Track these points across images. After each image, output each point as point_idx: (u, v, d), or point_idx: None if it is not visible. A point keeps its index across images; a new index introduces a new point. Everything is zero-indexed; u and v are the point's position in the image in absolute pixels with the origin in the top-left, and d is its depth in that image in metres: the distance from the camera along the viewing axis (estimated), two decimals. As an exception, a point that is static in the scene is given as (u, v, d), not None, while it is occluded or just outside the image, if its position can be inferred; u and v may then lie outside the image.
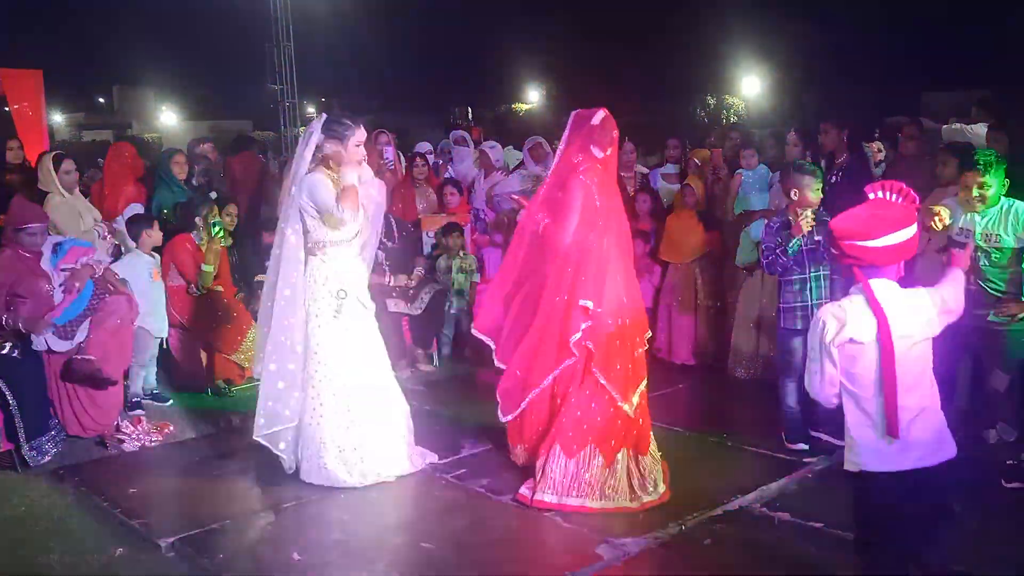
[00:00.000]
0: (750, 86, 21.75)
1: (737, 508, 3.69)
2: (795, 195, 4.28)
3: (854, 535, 2.72)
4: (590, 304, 3.77)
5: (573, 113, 3.98)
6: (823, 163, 5.15)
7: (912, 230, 2.53)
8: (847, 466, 2.63)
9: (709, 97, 22.50)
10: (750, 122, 17.59)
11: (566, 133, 3.97)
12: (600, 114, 3.89)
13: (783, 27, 19.82)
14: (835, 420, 4.34)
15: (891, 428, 2.46)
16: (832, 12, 19.01)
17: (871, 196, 2.64)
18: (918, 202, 2.63)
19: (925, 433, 2.49)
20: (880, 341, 2.46)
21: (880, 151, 6.47)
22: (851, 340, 2.50)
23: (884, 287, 2.52)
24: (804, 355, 4.28)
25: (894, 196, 2.59)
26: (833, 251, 2.61)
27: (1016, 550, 3.30)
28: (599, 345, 3.78)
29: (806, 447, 4.29)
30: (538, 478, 3.76)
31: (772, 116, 18.08)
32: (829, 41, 18.96)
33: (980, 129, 5.32)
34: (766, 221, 4.99)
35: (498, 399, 4.05)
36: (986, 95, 6.17)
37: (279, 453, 4.06)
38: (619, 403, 3.75)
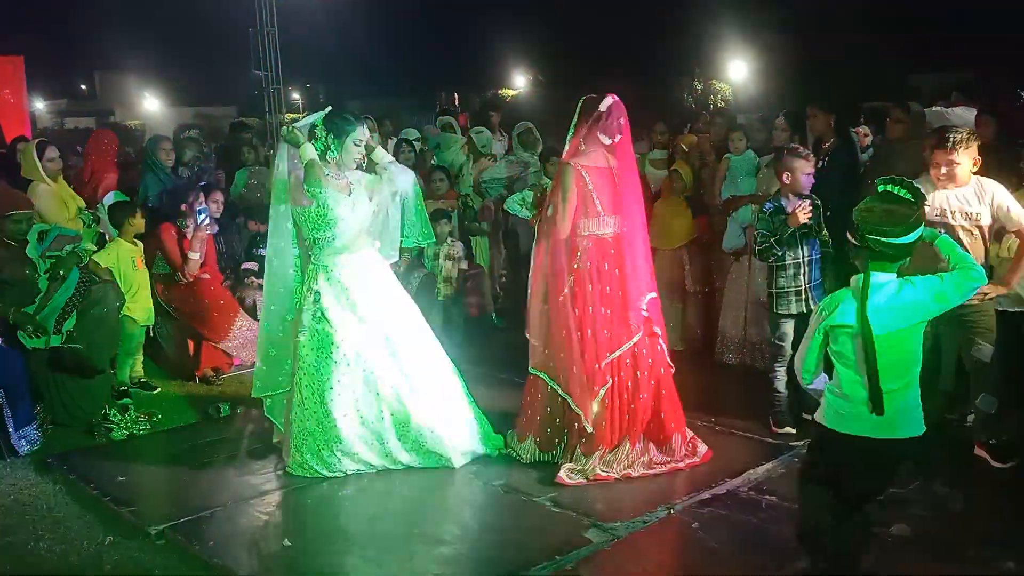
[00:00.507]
0: (737, 71, 21.75)
1: (725, 492, 3.73)
2: (787, 179, 4.29)
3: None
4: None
5: (583, 98, 3.92)
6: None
7: (919, 230, 2.65)
8: (818, 417, 2.80)
9: (696, 82, 22.49)
10: (737, 107, 17.59)
11: (575, 119, 3.90)
12: (608, 100, 3.83)
13: (770, 11, 19.82)
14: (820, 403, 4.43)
15: (876, 408, 2.60)
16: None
17: (880, 188, 2.72)
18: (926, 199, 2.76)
19: (893, 405, 2.63)
20: (862, 330, 2.58)
21: (867, 135, 6.50)
22: (841, 324, 2.65)
23: (884, 279, 2.63)
24: (795, 340, 4.35)
25: (904, 191, 2.66)
26: (850, 238, 2.69)
27: (998, 527, 3.35)
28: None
29: (793, 431, 4.33)
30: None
31: (760, 100, 18.10)
32: (815, 24, 18.97)
33: (963, 112, 5.34)
34: (758, 207, 5.02)
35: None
36: (966, 78, 6.20)
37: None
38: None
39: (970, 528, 3.37)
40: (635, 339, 3.89)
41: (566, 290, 3.90)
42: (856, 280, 2.67)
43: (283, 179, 3.99)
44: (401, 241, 4.29)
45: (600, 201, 3.86)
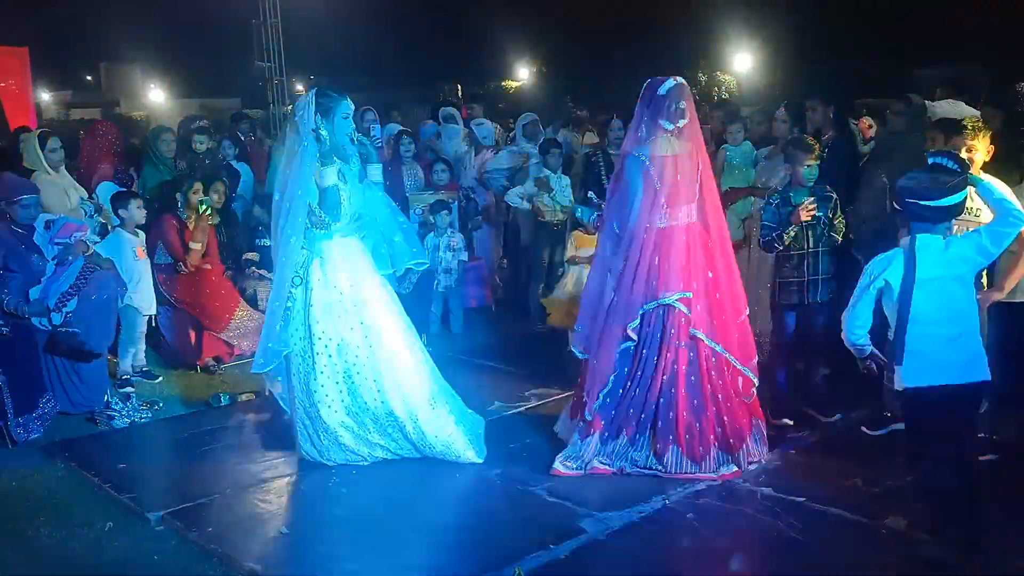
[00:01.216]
0: (741, 62, 21.66)
1: (721, 483, 3.74)
2: (787, 170, 4.30)
3: None
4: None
5: (646, 82, 3.74)
6: None
7: (963, 195, 3.02)
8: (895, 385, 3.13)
9: (700, 74, 22.41)
10: (742, 99, 17.52)
11: (636, 106, 3.74)
12: (669, 83, 3.67)
13: (775, 2, 19.73)
14: (822, 397, 4.45)
15: (898, 356, 3.02)
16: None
17: (930, 161, 3.08)
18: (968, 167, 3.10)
19: (958, 355, 3.01)
20: (902, 285, 3.01)
21: (871, 127, 6.48)
22: (886, 283, 3.08)
23: (929, 241, 3.01)
24: (795, 330, 4.36)
25: (951, 163, 3.03)
26: (895, 206, 3.13)
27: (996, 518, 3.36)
28: None
29: (791, 423, 4.34)
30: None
31: (765, 92, 18.03)
32: (819, 16, 18.87)
33: (948, 107, 5.34)
34: (761, 199, 5.03)
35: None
36: (966, 72, 6.18)
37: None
38: None
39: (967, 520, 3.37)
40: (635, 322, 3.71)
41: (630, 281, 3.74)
42: (905, 241, 3.06)
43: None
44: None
45: (666, 192, 3.68)
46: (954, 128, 3.92)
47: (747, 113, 6.75)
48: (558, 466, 3.82)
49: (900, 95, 5.21)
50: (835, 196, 4.34)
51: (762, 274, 5.23)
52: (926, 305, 2.99)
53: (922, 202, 2.98)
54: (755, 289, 5.31)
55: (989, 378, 3.04)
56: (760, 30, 20.42)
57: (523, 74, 27.85)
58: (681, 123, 3.68)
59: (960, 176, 3.01)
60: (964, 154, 3.85)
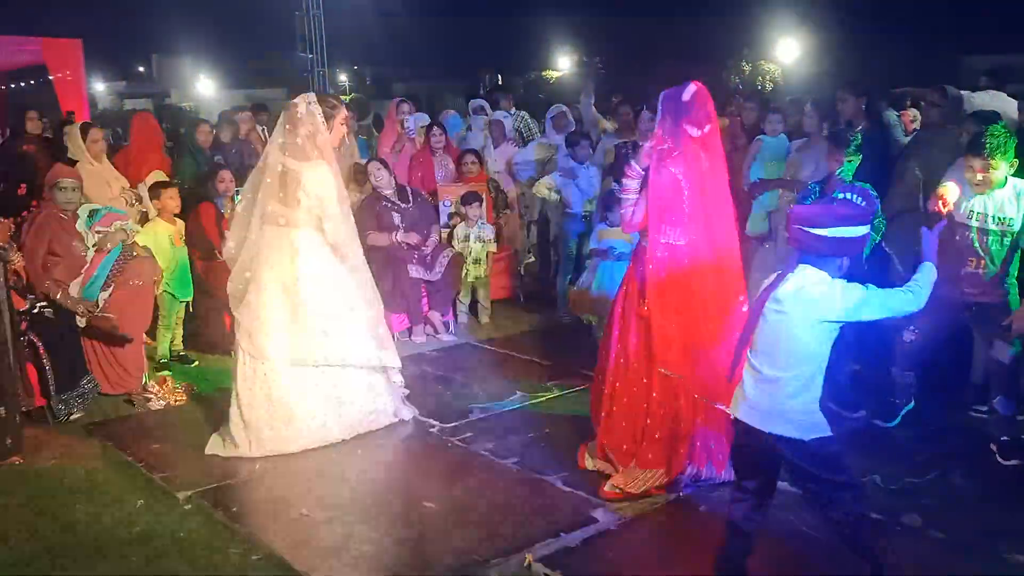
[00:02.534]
0: (786, 51, 21.23)
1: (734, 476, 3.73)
2: (827, 162, 4.28)
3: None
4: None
5: (661, 94, 3.57)
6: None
7: (862, 230, 2.65)
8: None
9: (744, 63, 22.03)
10: (787, 88, 17.19)
11: (657, 118, 3.58)
12: (691, 88, 3.49)
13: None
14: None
15: (729, 372, 2.78)
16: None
17: (839, 196, 2.86)
18: (876, 207, 2.88)
19: (762, 398, 2.67)
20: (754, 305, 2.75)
21: (914, 120, 6.32)
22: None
23: (810, 274, 2.64)
24: None
25: (858, 199, 2.86)
26: (785, 233, 2.76)
27: (1012, 520, 3.31)
28: None
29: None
30: None
31: (810, 81, 17.66)
32: (866, 2, 18.35)
33: (988, 98, 5.16)
34: (790, 192, 4.97)
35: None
36: (998, 64, 5.99)
37: None
38: None
39: (982, 521, 3.33)
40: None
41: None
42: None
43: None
44: None
45: (685, 206, 3.49)
46: (975, 145, 3.78)
47: (787, 102, 6.63)
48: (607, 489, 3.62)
49: (936, 86, 5.08)
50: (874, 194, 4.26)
51: (787, 268, 5.18)
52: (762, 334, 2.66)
53: (811, 230, 2.61)
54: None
55: (795, 437, 2.62)
56: (805, 18, 19.99)
57: (564, 64, 27.71)
58: (707, 128, 3.52)
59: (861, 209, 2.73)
60: (979, 175, 3.75)
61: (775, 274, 2.74)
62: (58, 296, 4.58)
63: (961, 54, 15.07)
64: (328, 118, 4.07)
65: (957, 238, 3.92)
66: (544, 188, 6.42)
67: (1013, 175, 3.85)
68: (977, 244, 3.92)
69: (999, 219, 3.83)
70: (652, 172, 3.55)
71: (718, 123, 3.64)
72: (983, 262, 3.93)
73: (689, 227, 3.52)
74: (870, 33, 18.46)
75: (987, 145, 3.71)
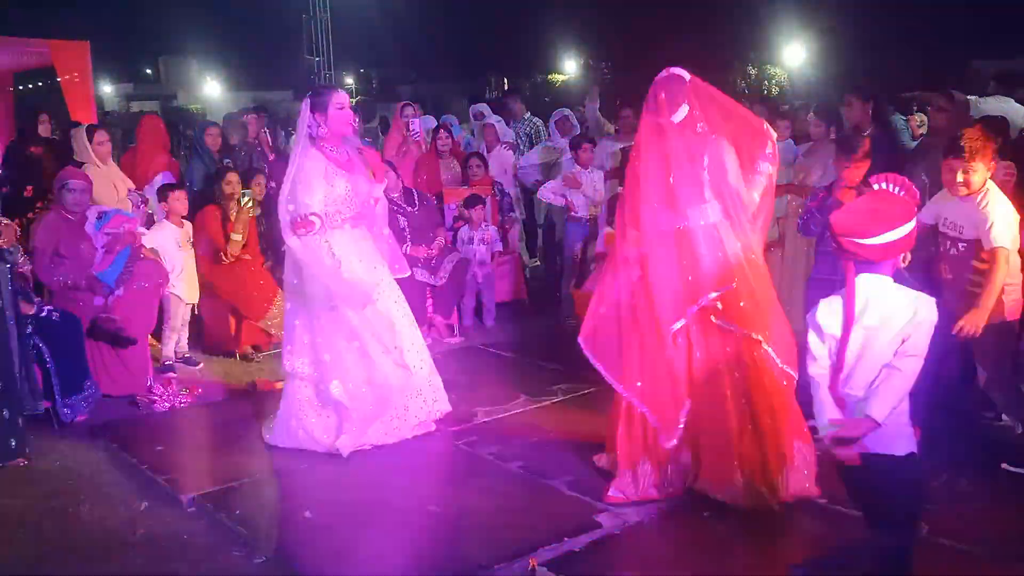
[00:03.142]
0: (792, 55, 21.20)
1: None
2: (834, 167, 4.27)
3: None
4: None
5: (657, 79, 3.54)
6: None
7: (910, 226, 2.52)
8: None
9: (750, 67, 22.01)
10: (793, 93, 17.17)
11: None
12: (661, 73, 3.51)
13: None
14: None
15: (839, 403, 2.53)
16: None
17: (875, 187, 2.68)
18: (918, 197, 2.66)
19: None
20: (841, 331, 2.50)
21: (921, 125, 6.30)
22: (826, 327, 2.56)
23: (875, 282, 2.50)
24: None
25: (896, 188, 2.62)
26: (832, 244, 2.59)
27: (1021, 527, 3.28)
28: None
29: (815, 424, 4.27)
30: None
31: (817, 86, 17.63)
32: (874, 6, 18.30)
33: (996, 103, 5.15)
34: (797, 197, 4.96)
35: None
36: (1007, 69, 5.96)
37: None
38: None
39: (989, 528, 3.31)
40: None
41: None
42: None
43: None
44: None
45: (662, 191, 3.48)
46: (953, 147, 3.70)
47: (796, 107, 6.62)
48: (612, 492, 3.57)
49: (943, 91, 5.07)
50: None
51: (796, 274, 5.17)
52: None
53: (863, 240, 2.46)
54: (788, 288, 5.26)
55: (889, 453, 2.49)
56: (812, 22, 19.95)
57: (570, 67, 27.73)
58: (676, 118, 3.42)
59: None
60: (960, 176, 3.67)
61: (831, 299, 2.57)
62: (70, 281, 4.58)
63: (969, 58, 14.99)
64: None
65: (952, 251, 3.86)
66: (548, 192, 6.42)
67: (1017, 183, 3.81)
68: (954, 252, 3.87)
69: (957, 226, 3.78)
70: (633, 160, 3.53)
71: (683, 115, 3.47)
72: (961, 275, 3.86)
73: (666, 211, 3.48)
74: (876, 38, 18.41)
75: (966, 148, 3.64)
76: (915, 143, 5.66)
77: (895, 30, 18.06)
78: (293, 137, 8.00)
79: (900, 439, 2.51)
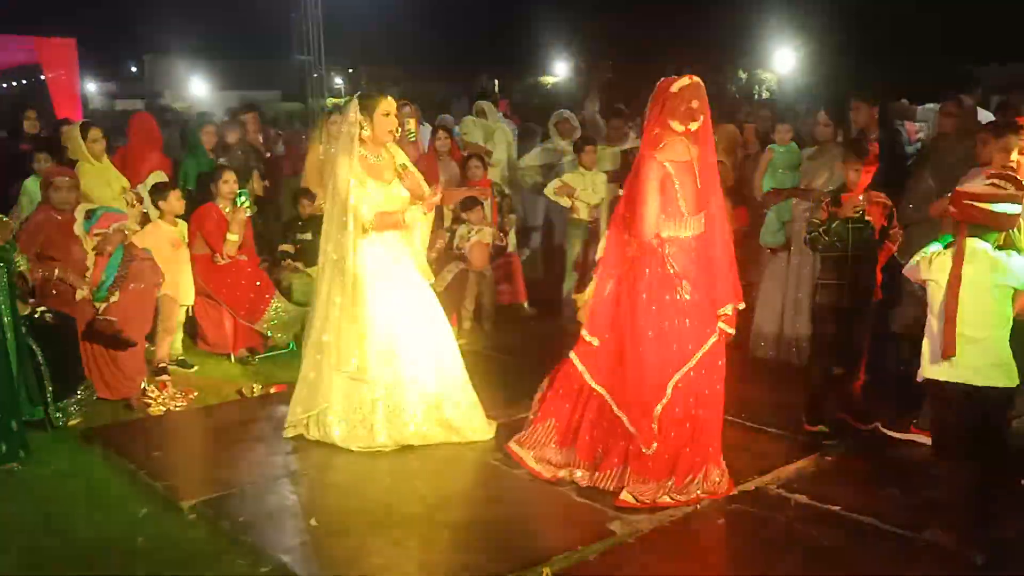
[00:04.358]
0: (783, 60, 21.29)
1: (753, 488, 3.68)
2: (840, 171, 4.27)
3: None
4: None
5: (659, 81, 3.56)
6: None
7: (1017, 209, 3.23)
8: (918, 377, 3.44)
9: (741, 71, 22.10)
10: (783, 98, 17.24)
11: (648, 105, 3.56)
12: (681, 81, 3.46)
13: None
14: (859, 404, 4.35)
15: (947, 349, 3.22)
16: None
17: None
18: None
19: (979, 358, 3.23)
20: (949, 282, 3.24)
21: (919, 131, 6.31)
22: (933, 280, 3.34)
23: (980, 244, 3.24)
24: (837, 334, 4.25)
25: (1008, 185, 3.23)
26: (952, 208, 3.31)
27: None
28: None
29: (826, 429, 4.25)
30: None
31: (806, 91, 17.69)
32: (868, 11, 18.40)
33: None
34: (805, 201, 4.93)
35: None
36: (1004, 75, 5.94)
37: None
38: None
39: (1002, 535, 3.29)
40: (704, 348, 3.54)
41: (643, 296, 3.53)
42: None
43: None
44: None
45: (684, 200, 3.50)
46: (1008, 127, 3.79)
47: (798, 111, 6.62)
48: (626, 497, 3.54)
49: (951, 96, 5.07)
50: (891, 204, 4.22)
51: (801, 278, 5.15)
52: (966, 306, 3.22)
53: (984, 205, 3.19)
54: (794, 293, 5.24)
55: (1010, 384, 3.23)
56: (803, 27, 20.05)
57: (561, 69, 27.72)
58: (693, 125, 3.48)
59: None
60: (1016, 155, 3.76)
61: (936, 253, 3.34)
62: (56, 272, 4.48)
63: (955, 65, 15.10)
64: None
65: None
66: (552, 191, 6.36)
67: None
68: None
69: None
70: (643, 166, 3.52)
71: (709, 123, 3.57)
72: None
73: (686, 219, 3.54)
74: (865, 44, 18.50)
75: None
76: (910, 147, 5.66)
77: (882, 38, 18.15)
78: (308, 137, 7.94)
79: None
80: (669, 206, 3.51)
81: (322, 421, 4.12)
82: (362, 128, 4.05)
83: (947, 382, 3.29)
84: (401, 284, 4.16)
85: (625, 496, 3.49)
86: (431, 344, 4.17)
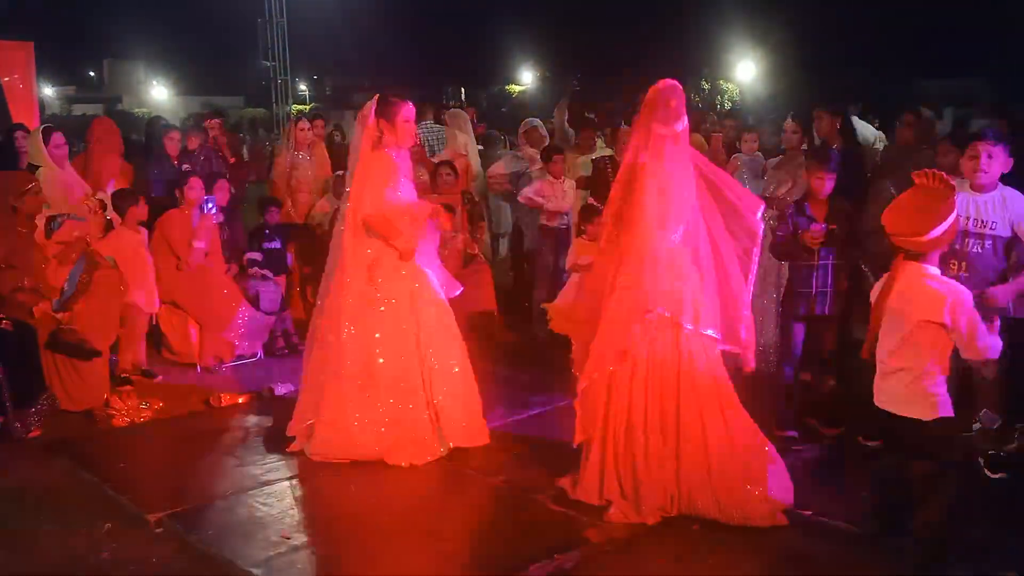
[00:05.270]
0: (745, 71, 21.68)
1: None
2: (804, 180, 4.32)
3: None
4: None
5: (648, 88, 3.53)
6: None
7: (951, 221, 2.98)
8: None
9: (704, 82, 22.45)
10: (745, 108, 17.54)
11: (637, 113, 3.56)
12: (662, 84, 3.49)
13: (779, 10, 19.77)
14: (826, 409, 4.42)
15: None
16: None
17: (916, 181, 3.04)
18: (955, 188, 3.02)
19: (898, 387, 3.04)
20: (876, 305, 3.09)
21: (877, 141, 6.45)
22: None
23: (918, 270, 2.98)
24: (805, 340, 4.32)
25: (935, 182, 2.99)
26: (887, 240, 3.07)
27: (1000, 535, 3.34)
28: None
29: (796, 435, 4.31)
30: None
31: (768, 102, 18.04)
32: (822, 26, 18.89)
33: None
34: (775, 209, 5.00)
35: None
36: (955, 87, 6.15)
37: None
38: None
39: (970, 535, 3.36)
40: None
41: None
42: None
43: None
44: None
45: (668, 208, 3.46)
46: (975, 135, 3.87)
47: (754, 123, 6.74)
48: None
49: (911, 107, 5.21)
50: (851, 210, 4.30)
51: (767, 284, 5.21)
52: None
53: (915, 238, 2.97)
54: (760, 299, 5.30)
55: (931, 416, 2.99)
56: (764, 40, 20.47)
57: (527, 78, 27.87)
58: (679, 127, 3.47)
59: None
60: (982, 160, 3.79)
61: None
62: (24, 282, 4.36)
63: (912, 77, 15.57)
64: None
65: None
66: (528, 196, 6.37)
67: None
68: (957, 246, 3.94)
69: (979, 221, 3.84)
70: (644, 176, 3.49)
71: (687, 125, 3.55)
72: (963, 265, 3.94)
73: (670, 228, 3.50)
74: (824, 55, 18.95)
75: (990, 133, 3.84)
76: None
77: (841, 50, 18.63)
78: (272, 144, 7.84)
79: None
80: (665, 212, 3.47)
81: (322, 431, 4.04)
82: (382, 133, 3.98)
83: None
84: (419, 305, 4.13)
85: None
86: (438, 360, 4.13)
